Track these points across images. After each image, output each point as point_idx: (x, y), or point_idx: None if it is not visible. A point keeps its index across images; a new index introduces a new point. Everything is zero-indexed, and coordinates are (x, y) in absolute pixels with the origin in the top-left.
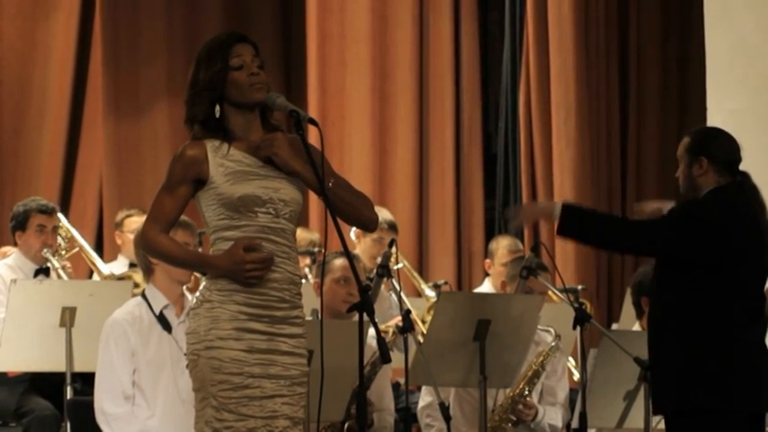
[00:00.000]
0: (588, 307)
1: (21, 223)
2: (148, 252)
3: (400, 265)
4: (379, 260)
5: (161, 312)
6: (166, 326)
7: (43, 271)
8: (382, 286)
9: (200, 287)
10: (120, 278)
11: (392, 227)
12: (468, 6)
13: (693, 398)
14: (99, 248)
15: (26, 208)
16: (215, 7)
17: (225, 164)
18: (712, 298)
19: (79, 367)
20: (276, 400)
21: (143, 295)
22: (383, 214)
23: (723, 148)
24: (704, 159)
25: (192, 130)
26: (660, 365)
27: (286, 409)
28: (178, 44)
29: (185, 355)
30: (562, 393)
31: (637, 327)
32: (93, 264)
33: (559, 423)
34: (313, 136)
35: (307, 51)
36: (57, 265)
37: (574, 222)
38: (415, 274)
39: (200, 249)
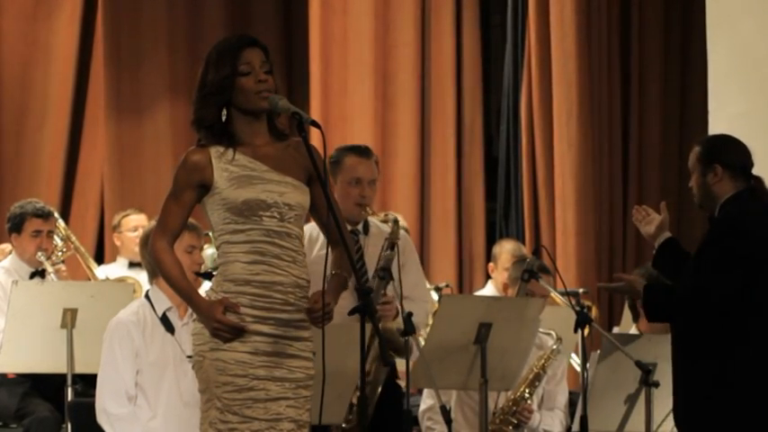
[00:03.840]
0: (593, 310)
1: (16, 226)
2: (153, 262)
3: None
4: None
5: (164, 314)
6: (169, 327)
7: (39, 273)
8: None
9: (206, 289)
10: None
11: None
12: (469, 9)
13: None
14: (100, 250)
15: (22, 211)
16: (217, 9)
17: (229, 169)
18: (747, 314)
19: (80, 369)
20: (281, 403)
21: (146, 296)
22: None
23: (736, 154)
24: (718, 167)
25: (198, 132)
26: (685, 388)
27: (291, 411)
28: (180, 45)
29: (188, 357)
30: (562, 398)
31: (634, 330)
32: (90, 269)
33: (557, 428)
34: (315, 138)
35: (309, 53)
36: (50, 269)
37: (657, 304)
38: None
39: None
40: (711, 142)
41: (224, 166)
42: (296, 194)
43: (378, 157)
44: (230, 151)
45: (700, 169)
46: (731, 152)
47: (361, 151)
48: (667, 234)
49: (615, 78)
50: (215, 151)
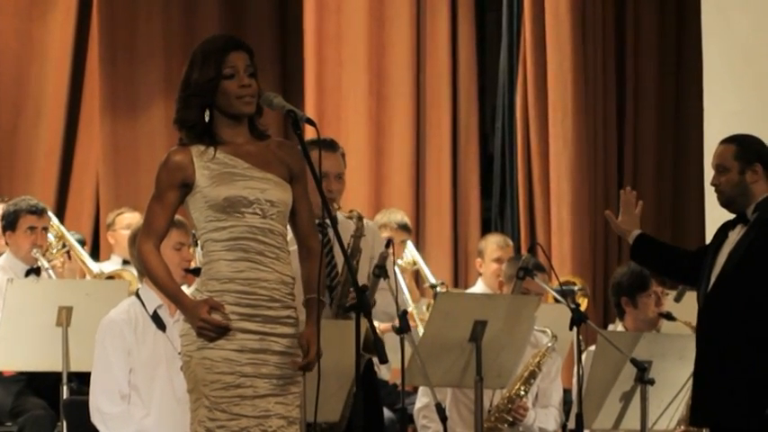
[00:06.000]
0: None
1: (10, 223)
2: (140, 263)
3: (416, 267)
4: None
5: (155, 312)
6: (161, 325)
7: (34, 271)
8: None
9: (192, 288)
10: (110, 277)
11: (402, 227)
12: (465, 6)
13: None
14: (95, 248)
15: (16, 208)
16: (212, 7)
17: (210, 167)
18: None
19: (75, 367)
20: (269, 400)
21: (137, 295)
22: (395, 216)
23: None
24: (759, 165)
25: (180, 131)
26: (720, 378)
27: (280, 408)
28: (175, 43)
29: (179, 354)
30: (556, 395)
31: (620, 327)
32: (83, 262)
33: (552, 426)
34: (310, 136)
35: (304, 51)
36: (46, 265)
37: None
38: (427, 273)
39: (192, 249)
40: (750, 141)
41: (205, 164)
42: (278, 191)
43: (344, 150)
44: (211, 149)
45: (738, 167)
46: None
47: (327, 145)
48: (638, 231)
49: (610, 76)
50: (196, 150)
